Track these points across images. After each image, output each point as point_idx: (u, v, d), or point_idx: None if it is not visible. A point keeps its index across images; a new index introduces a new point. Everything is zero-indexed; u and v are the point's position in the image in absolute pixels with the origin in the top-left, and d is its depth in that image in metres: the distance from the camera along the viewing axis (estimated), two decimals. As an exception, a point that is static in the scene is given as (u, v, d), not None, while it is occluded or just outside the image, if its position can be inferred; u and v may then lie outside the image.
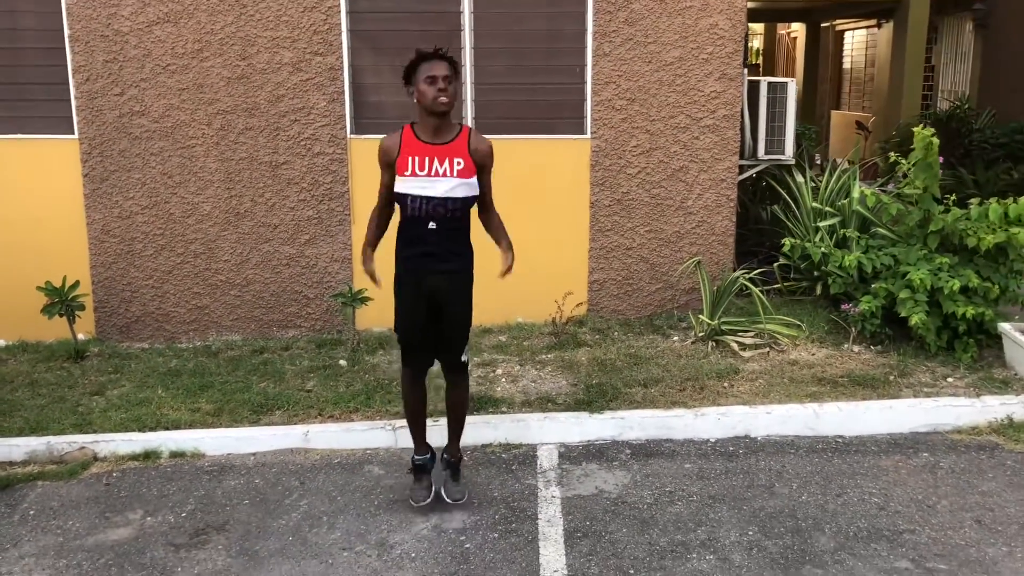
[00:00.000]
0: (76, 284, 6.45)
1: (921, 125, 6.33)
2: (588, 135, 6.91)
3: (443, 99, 4.10)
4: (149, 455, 5.15)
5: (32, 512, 4.62)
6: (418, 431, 4.63)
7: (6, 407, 5.67)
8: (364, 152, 6.86)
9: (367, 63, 6.84)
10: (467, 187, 4.23)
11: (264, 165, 6.86)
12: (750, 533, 4.26)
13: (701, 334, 6.48)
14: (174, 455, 5.18)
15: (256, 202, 6.90)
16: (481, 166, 4.29)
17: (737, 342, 6.35)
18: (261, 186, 6.88)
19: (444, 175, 4.17)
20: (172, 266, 6.97)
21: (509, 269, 4.50)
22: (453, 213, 4.23)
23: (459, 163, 4.19)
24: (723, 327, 6.46)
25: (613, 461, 5.04)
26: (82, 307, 6.49)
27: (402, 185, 4.20)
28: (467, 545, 4.22)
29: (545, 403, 5.55)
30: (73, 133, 6.81)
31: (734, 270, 6.93)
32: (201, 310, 7.04)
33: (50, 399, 5.81)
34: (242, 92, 6.75)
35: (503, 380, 5.94)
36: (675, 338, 6.64)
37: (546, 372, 6.05)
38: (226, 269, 6.99)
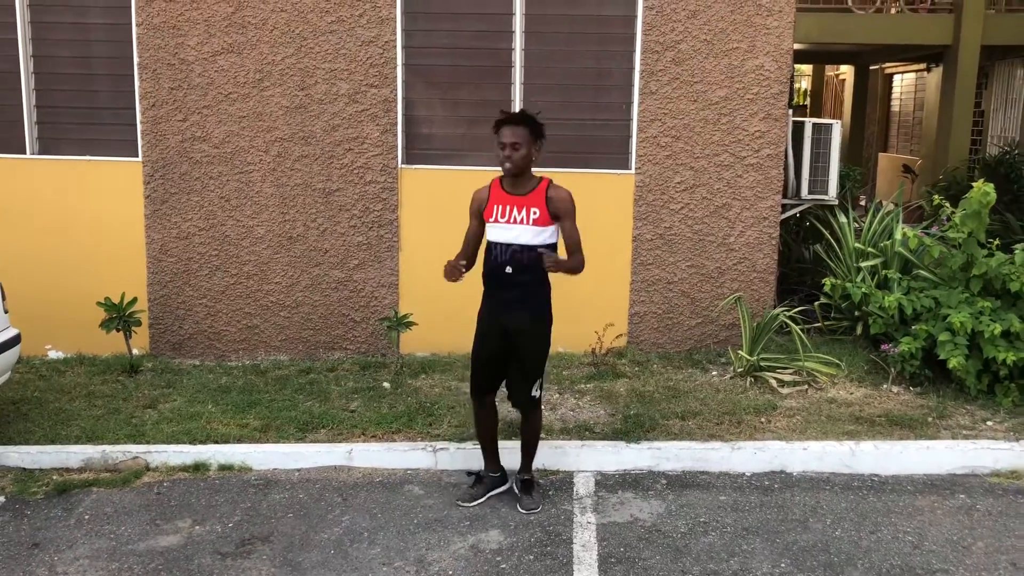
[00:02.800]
0: (133, 301, 6.70)
1: (982, 180, 6.34)
2: (632, 170, 7.04)
3: (507, 164, 4.54)
4: (199, 467, 5.35)
5: (87, 517, 4.81)
6: (488, 453, 4.97)
7: (64, 416, 5.91)
8: (414, 181, 7.07)
9: (420, 96, 7.06)
10: (541, 234, 4.57)
11: (317, 192, 7.09)
12: (782, 565, 4.30)
13: (740, 369, 6.53)
14: (222, 468, 5.36)
15: (308, 227, 7.13)
16: (556, 214, 4.60)
17: (775, 378, 6.39)
18: (314, 212, 7.11)
19: (521, 222, 4.56)
20: (225, 286, 7.21)
21: (554, 263, 4.54)
22: (529, 259, 4.56)
23: (535, 212, 4.56)
24: (762, 363, 6.51)
25: (649, 490, 5.11)
26: (138, 323, 6.74)
27: (488, 230, 4.64)
28: (503, 565, 4.32)
29: (583, 431, 5.64)
30: (137, 156, 7.11)
31: (774, 307, 6.98)
32: (251, 330, 7.26)
33: (105, 410, 6.03)
34: (299, 121, 7.01)
35: (542, 408, 6.03)
36: (714, 373, 6.70)
37: (585, 401, 6.15)
38: (277, 291, 7.21)
